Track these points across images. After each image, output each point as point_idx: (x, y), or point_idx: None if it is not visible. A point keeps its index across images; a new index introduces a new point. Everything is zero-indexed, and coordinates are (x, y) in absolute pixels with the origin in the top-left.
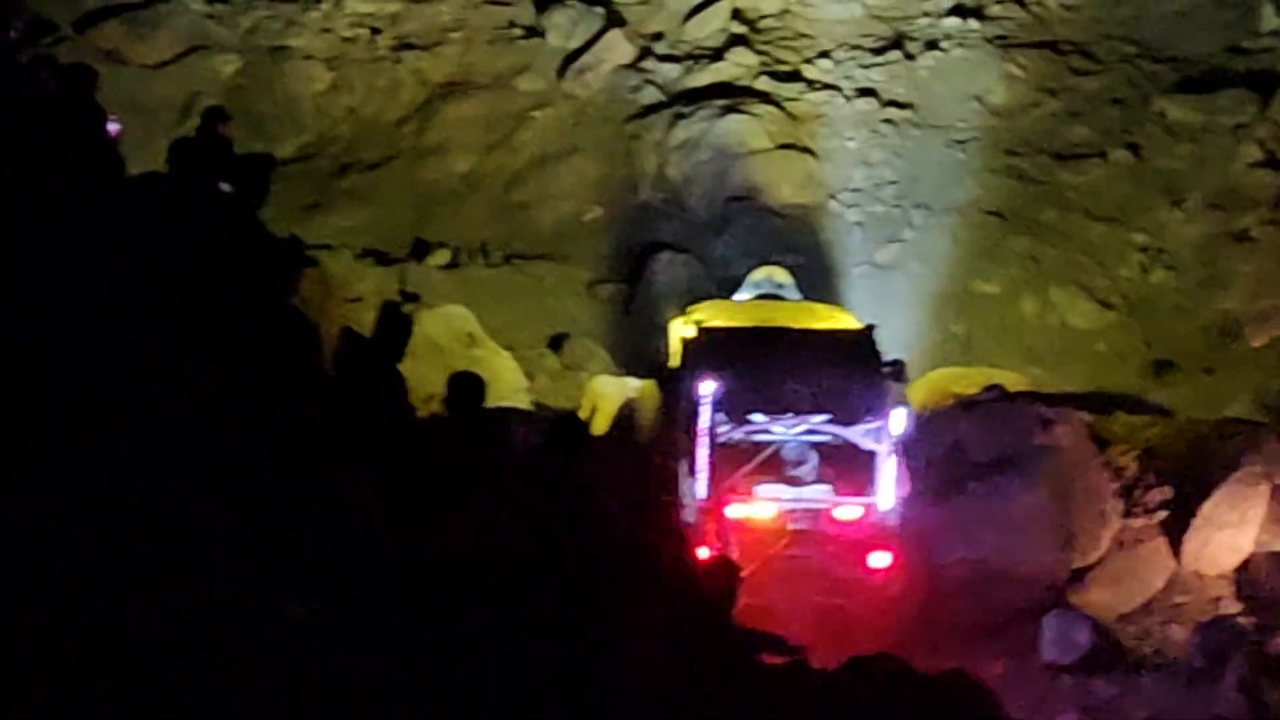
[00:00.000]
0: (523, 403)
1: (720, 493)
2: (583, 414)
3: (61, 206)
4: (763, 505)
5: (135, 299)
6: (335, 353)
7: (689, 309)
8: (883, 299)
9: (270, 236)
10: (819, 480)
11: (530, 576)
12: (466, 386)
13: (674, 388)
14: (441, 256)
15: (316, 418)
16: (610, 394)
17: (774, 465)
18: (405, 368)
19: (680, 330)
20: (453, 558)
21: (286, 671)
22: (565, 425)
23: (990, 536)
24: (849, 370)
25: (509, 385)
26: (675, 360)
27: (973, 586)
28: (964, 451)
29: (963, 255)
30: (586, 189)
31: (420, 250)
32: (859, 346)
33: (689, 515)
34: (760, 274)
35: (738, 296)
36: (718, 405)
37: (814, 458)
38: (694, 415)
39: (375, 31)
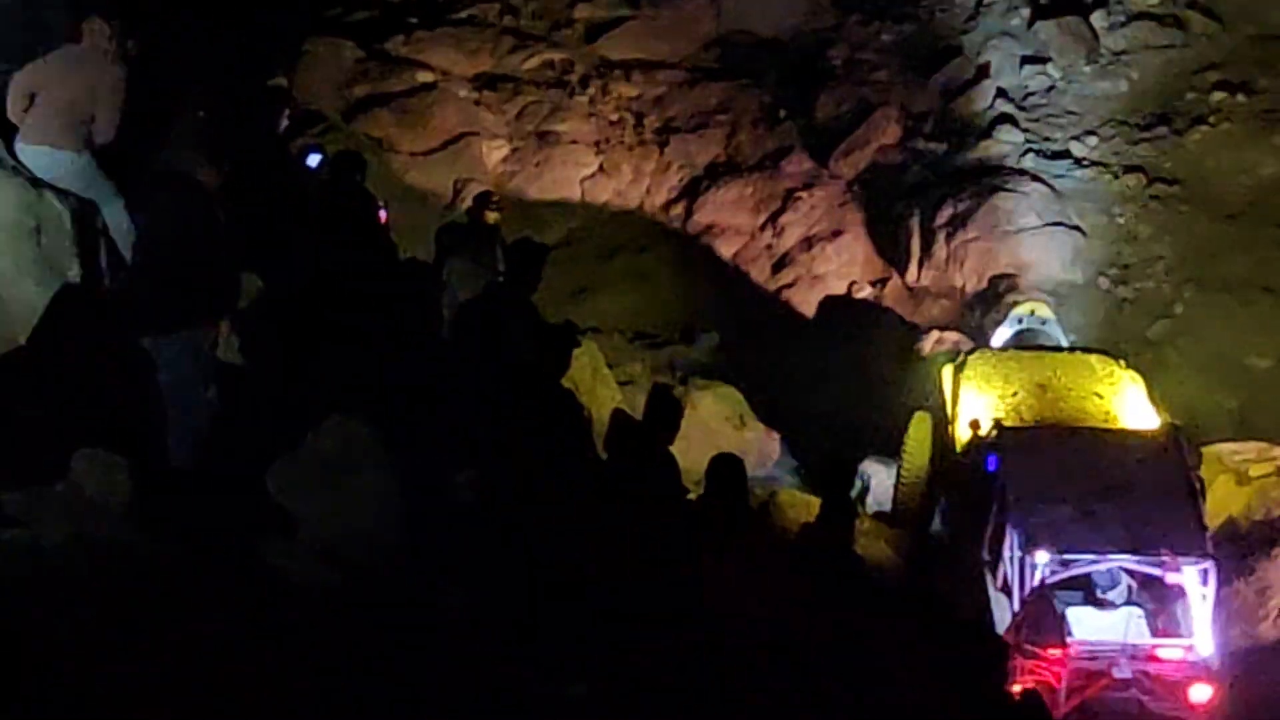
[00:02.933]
0: (795, 485)
1: (1032, 625)
2: (853, 493)
3: (336, 293)
4: (1081, 644)
5: (410, 383)
6: (607, 435)
7: (960, 358)
8: (1153, 374)
9: (541, 320)
10: (1130, 602)
11: (799, 657)
12: (726, 468)
13: (963, 490)
14: (711, 338)
15: (588, 499)
16: (880, 473)
17: (1083, 586)
18: (677, 449)
19: (958, 389)
20: (724, 638)
21: None
22: (835, 504)
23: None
24: (1173, 506)
25: (782, 467)
26: (955, 425)
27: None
28: (1239, 528)
29: (1235, 330)
30: (854, 268)
31: (690, 332)
32: (1177, 469)
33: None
34: (1023, 309)
35: (1001, 333)
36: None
37: (1125, 579)
38: (1002, 543)
39: (641, 116)
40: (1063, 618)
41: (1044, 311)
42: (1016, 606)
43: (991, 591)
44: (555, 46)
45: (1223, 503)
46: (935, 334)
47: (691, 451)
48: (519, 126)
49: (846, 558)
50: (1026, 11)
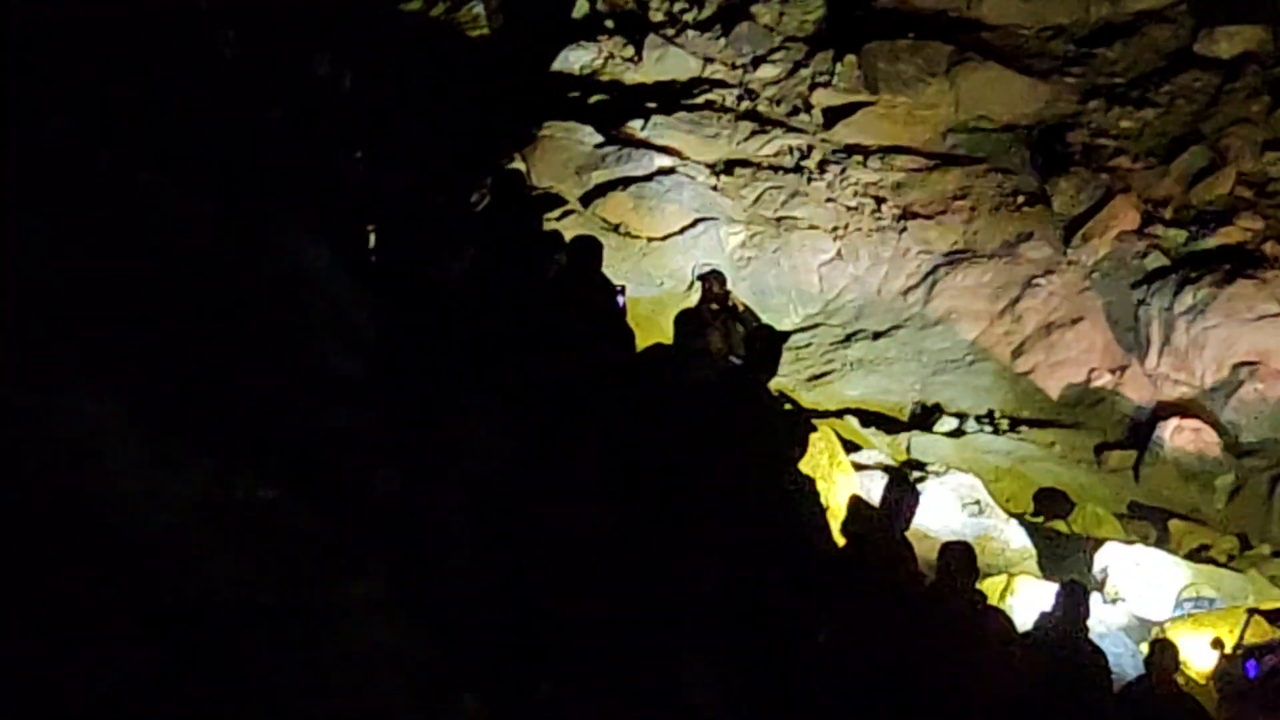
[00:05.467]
0: (1033, 571)
1: None
2: (1091, 579)
3: (575, 379)
4: None
5: (648, 470)
6: (844, 521)
7: (1154, 634)
8: None
9: (777, 406)
10: None
11: None
12: (959, 556)
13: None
14: (947, 423)
15: (828, 588)
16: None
17: None
18: (912, 534)
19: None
20: None
21: None
22: (1071, 590)
23: None
24: None
25: (1019, 554)
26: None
27: None
28: None
29: None
30: (1094, 355)
31: (925, 418)
32: None
33: None
34: (1189, 591)
35: (1161, 616)
36: None
37: None
38: None
39: (880, 201)
40: None
41: (1208, 592)
42: None
43: None
44: (793, 132)
45: None
46: (1175, 421)
47: (928, 538)
48: (756, 212)
49: (1082, 644)
50: (1267, 98)
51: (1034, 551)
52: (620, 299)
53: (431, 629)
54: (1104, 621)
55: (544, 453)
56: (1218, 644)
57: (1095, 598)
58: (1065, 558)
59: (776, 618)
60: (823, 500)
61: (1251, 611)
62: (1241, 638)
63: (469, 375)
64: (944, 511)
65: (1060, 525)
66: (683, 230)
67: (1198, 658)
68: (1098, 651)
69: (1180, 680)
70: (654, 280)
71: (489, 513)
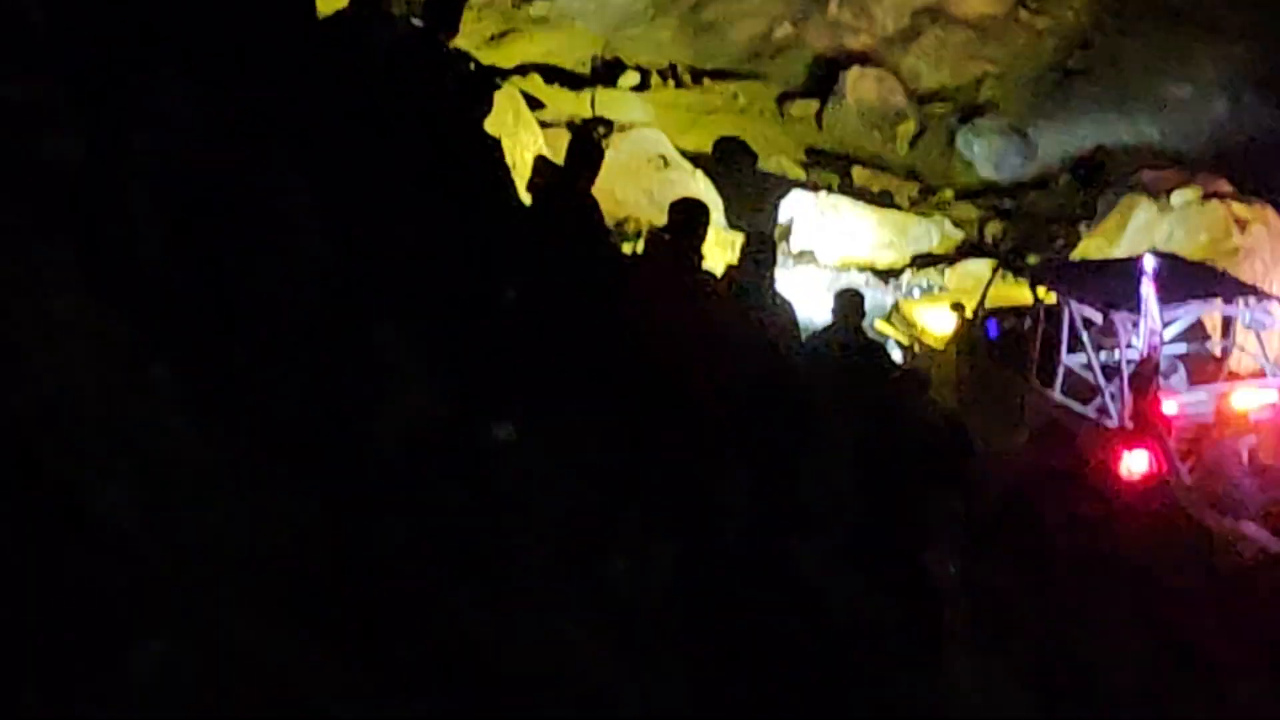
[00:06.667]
0: (719, 223)
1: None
2: (774, 228)
3: (253, 37)
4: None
5: (333, 138)
6: (530, 179)
7: (889, 312)
8: (1073, 104)
9: (461, 66)
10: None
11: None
12: (686, 210)
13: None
14: (631, 78)
15: (511, 243)
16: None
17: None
18: (598, 190)
19: (912, 318)
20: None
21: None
22: (758, 240)
23: None
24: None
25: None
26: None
27: None
28: None
29: (1154, 58)
30: (775, 5)
31: (609, 73)
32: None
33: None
34: (919, 279)
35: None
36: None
37: (1181, 368)
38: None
39: None
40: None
41: (937, 279)
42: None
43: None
44: None
45: (1144, 230)
46: (857, 69)
47: (613, 192)
48: None
49: (770, 295)
50: None
51: (720, 202)
52: None
53: (121, 301)
54: (791, 269)
55: (229, 123)
56: (958, 308)
57: (782, 246)
58: (751, 207)
59: (465, 276)
60: (508, 159)
61: (996, 269)
62: (982, 301)
63: (149, 43)
64: (629, 167)
65: (745, 175)
66: None
67: (938, 323)
68: (785, 302)
69: (912, 344)
70: None
71: (175, 182)
